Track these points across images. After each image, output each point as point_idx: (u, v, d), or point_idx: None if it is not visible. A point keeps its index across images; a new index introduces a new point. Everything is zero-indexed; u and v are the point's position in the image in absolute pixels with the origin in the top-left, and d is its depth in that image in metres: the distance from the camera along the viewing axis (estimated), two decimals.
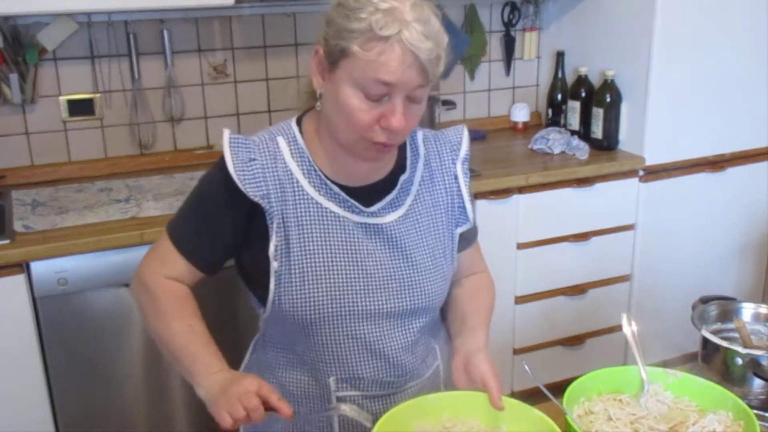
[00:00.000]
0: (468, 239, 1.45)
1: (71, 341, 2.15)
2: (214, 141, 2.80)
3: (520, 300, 2.76)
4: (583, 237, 2.78)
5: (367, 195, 1.32)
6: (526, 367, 1.41)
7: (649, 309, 2.90)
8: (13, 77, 2.42)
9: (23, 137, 2.56)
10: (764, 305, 1.56)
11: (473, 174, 2.36)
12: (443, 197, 1.39)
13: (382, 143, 1.23)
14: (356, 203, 1.30)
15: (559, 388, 1.27)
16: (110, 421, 2.26)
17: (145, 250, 2.08)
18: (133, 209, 2.28)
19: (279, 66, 2.82)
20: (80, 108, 2.59)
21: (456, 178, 1.40)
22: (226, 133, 1.29)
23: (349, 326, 1.31)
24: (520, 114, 3.18)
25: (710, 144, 2.90)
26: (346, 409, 1.26)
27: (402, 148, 1.37)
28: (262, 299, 1.32)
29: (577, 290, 2.83)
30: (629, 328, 1.40)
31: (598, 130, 2.85)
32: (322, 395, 1.36)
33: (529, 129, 3.14)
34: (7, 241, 2.05)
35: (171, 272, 1.32)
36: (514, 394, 2.70)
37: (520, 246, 2.70)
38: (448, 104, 2.96)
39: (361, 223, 1.31)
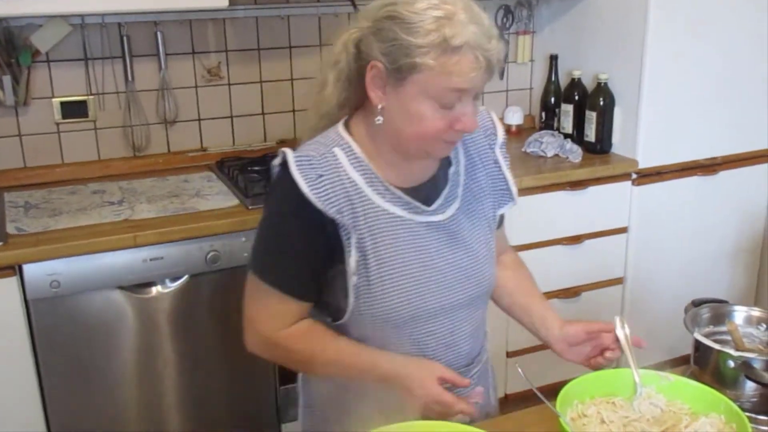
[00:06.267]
0: (502, 218, 1.52)
1: (64, 344, 2.14)
2: (208, 144, 2.79)
3: None
4: (576, 240, 2.79)
5: (423, 194, 1.34)
6: (520, 370, 1.41)
7: (641, 312, 2.91)
8: (6, 79, 2.41)
9: (16, 139, 2.55)
10: (756, 308, 1.56)
11: None
12: (485, 182, 1.42)
13: (449, 143, 1.26)
14: (419, 204, 1.32)
15: (553, 391, 1.27)
16: (103, 423, 2.25)
17: (138, 253, 2.13)
18: (126, 212, 2.27)
19: (273, 68, 2.82)
20: (73, 110, 2.58)
21: (496, 162, 1.44)
22: (290, 153, 1.27)
23: (425, 324, 1.34)
24: (514, 117, 3.18)
25: (703, 148, 2.91)
26: None
27: None
28: (335, 311, 1.33)
29: (570, 293, 2.84)
30: (622, 331, 1.41)
31: (591, 134, 2.85)
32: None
33: (522, 132, 3.15)
34: None
35: (288, 321, 1.32)
36: (507, 397, 2.71)
37: (514, 248, 2.69)
38: None
39: (424, 222, 1.33)
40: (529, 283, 1.56)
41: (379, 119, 1.26)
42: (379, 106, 1.25)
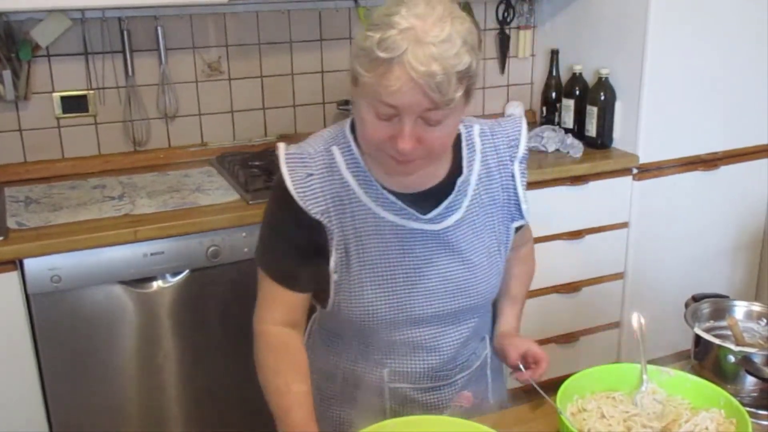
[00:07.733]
0: (523, 226, 1.44)
1: (65, 339, 2.14)
2: (209, 138, 2.79)
3: None
4: (577, 235, 2.78)
5: (424, 200, 1.30)
6: (521, 366, 1.41)
7: (642, 307, 2.89)
8: (6, 74, 2.41)
9: (16, 134, 2.55)
10: (757, 303, 1.56)
11: None
12: (499, 193, 1.36)
13: (396, 159, 1.19)
14: (413, 211, 1.29)
15: (553, 386, 1.28)
16: (104, 418, 2.25)
17: (138, 247, 2.13)
18: (126, 206, 2.27)
19: (274, 63, 2.82)
20: (74, 105, 2.58)
21: (513, 176, 1.37)
22: (282, 149, 1.27)
23: (406, 330, 1.33)
24: (515, 112, 3.17)
25: (703, 142, 2.90)
26: None
27: (457, 149, 1.34)
28: (321, 302, 1.36)
29: (570, 288, 2.84)
30: (638, 324, 1.40)
31: (592, 129, 2.85)
32: (376, 382, 1.38)
33: None
34: (0, 239, 2.04)
35: (277, 312, 1.33)
36: (507, 392, 2.70)
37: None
38: None
39: (419, 230, 1.29)
40: (516, 281, 1.51)
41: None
42: (352, 102, 1.24)
